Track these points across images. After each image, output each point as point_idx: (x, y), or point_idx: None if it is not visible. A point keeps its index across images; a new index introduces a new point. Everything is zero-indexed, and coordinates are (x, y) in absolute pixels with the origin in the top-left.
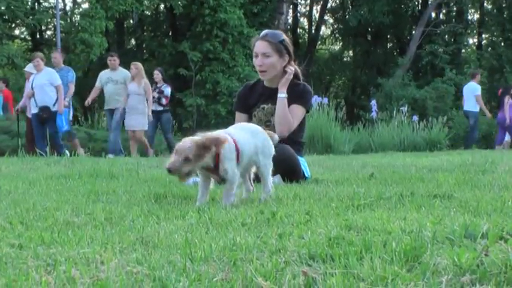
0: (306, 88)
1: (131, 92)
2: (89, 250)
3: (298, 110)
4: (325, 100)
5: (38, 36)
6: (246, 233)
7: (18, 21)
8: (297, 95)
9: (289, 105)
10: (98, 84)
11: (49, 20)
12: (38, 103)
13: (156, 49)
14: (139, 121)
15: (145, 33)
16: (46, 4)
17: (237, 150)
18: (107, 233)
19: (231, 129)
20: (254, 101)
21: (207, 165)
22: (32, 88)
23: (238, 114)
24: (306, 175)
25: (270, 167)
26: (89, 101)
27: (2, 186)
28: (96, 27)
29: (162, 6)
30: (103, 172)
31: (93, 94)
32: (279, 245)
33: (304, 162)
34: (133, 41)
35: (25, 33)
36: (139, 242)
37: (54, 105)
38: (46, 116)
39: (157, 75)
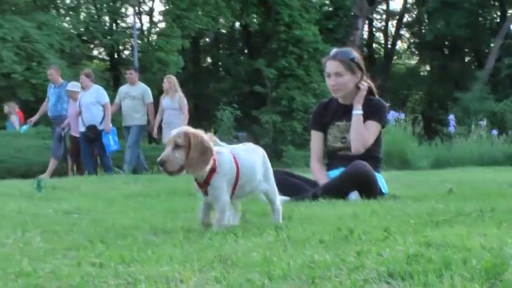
0: (381, 103)
1: (166, 107)
2: (168, 268)
3: (374, 126)
4: (402, 115)
5: (115, 55)
6: (324, 250)
7: (96, 42)
8: (372, 111)
9: (364, 121)
10: (116, 100)
11: (126, 39)
12: (85, 122)
13: (231, 67)
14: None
15: (221, 51)
16: (124, 24)
17: (237, 167)
18: (185, 251)
19: (233, 146)
20: (329, 118)
21: (199, 173)
22: (79, 106)
23: (313, 132)
24: (383, 191)
25: (275, 188)
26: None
27: (82, 205)
28: (173, 46)
29: (237, 24)
30: (181, 190)
31: (112, 109)
32: (357, 263)
33: (381, 178)
34: (209, 59)
35: (103, 53)
36: (217, 260)
37: (100, 123)
38: (93, 136)
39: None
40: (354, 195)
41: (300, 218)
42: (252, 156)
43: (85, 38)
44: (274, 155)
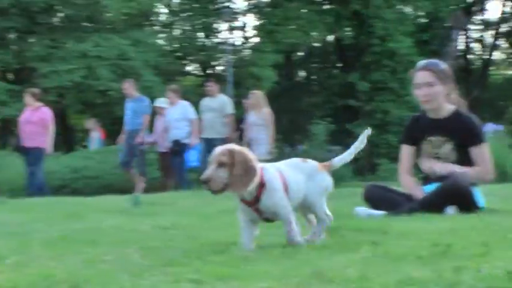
0: (473, 121)
1: (251, 123)
2: (265, 285)
3: (483, 149)
4: (500, 127)
5: (209, 71)
6: (421, 266)
7: (190, 58)
8: (471, 136)
9: (470, 148)
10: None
11: (220, 55)
12: (172, 137)
13: (324, 80)
14: (260, 151)
15: (314, 65)
16: (217, 40)
17: (283, 182)
18: (282, 267)
19: (278, 164)
20: (420, 133)
21: (242, 192)
22: (166, 122)
23: (404, 147)
24: (481, 205)
25: (323, 205)
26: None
27: (178, 220)
28: (266, 61)
29: (330, 37)
30: None
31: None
32: (455, 279)
33: (478, 191)
34: (302, 73)
35: (197, 69)
36: (314, 276)
37: (186, 138)
38: (177, 148)
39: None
40: (451, 209)
41: (396, 233)
42: (296, 172)
43: (179, 54)
44: (369, 169)
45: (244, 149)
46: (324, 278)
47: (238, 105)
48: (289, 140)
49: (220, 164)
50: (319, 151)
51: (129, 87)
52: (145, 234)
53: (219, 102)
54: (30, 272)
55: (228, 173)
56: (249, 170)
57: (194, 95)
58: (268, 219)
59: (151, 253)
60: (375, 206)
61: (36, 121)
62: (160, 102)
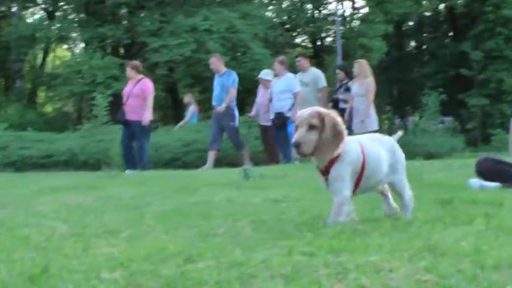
0: None
1: (354, 93)
2: (377, 258)
3: None
4: None
5: (318, 43)
6: None
7: (299, 30)
8: None
9: None
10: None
11: (329, 26)
12: (274, 109)
13: (436, 50)
14: (359, 125)
15: (424, 35)
16: (326, 11)
17: (363, 157)
18: (394, 240)
19: (358, 136)
20: None
21: (329, 156)
22: (271, 94)
23: None
24: None
25: (404, 181)
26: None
27: (289, 193)
28: (376, 32)
29: (441, 6)
30: None
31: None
32: None
33: None
34: (413, 43)
35: (306, 41)
36: (426, 249)
37: (288, 111)
38: (279, 123)
39: (340, 74)
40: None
41: (510, 205)
42: (378, 146)
43: (288, 26)
44: (482, 140)
45: (332, 112)
46: (437, 252)
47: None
48: (399, 111)
49: (311, 127)
50: (431, 122)
51: (215, 61)
52: (256, 207)
53: (311, 76)
54: (144, 245)
55: (317, 136)
56: (337, 135)
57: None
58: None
59: (263, 226)
60: (488, 179)
61: (137, 94)
62: (265, 74)
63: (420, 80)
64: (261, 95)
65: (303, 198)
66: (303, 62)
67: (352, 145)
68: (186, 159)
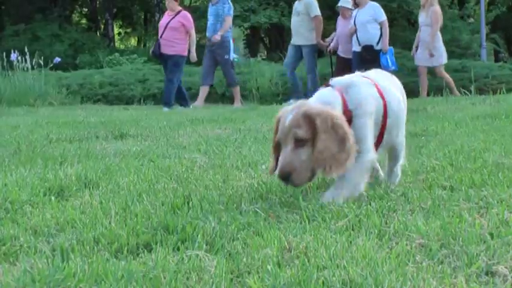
0: None
1: (420, 23)
2: None
3: None
4: None
5: None
6: None
7: None
8: None
9: None
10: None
11: None
12: (361, 42)
13: None
14: (425, 56)
15: None
16: None
17: (384, 102)
18: None
19: (369, 74)
20: None
21: (341, 172)
22: (354, 24)
23: None
24: None
25: (404, 141)
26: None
27: (429, 127)
28: None
29: None
30: None
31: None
32: None
33: None
34: None
35: None
36: None
37: (377, 43)
38: (370, 57)
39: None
40: None
41: None
42: (394, 88)
43: None
44: None
45: (325, 108)
46: None
47: None
48: None
49: (299, 142)
50: None
51: None
52: None
53: (304, 3)
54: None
55: (310, 152)
56: (342, 140)
57: None
58: None
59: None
60: None
61: (176, 26)
62: (344, 2)
63: None
64: (341, 26)
65: (443, 131)
66: None
67: (364, 89)
68: None
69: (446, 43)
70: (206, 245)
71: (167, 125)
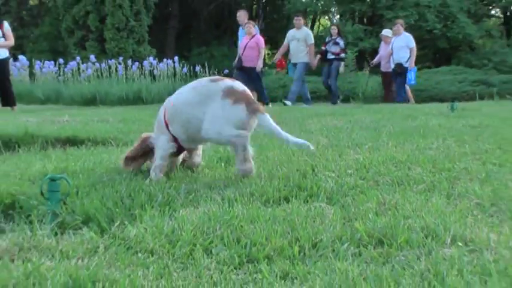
0: None
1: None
2: None
3: None
4: None
5: (508, 13)
6: None
7: (494, 4)
8: None
9: None
10: (285, 41)
11: None
12: (395, 60)
13: None
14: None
15: None
16: None
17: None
18: None
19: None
20: None
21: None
22: (392, 49)
23: None
24: None
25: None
26: (277, 57)
27: (483, 121)
28: None
29: None
30: None
31: (282, 50)
32: None
33: None
34: None
35: (498, 12)
36: None
37: (406, 62)
38: (400, 71)
39: (333, 30)
40: None
41: None
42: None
43: (486, 1)
44: None
45: None
46: None
47: None
48: None
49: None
50: None
51: (242, 15)
52: (459, 130)
53: (304, 34)
54: (380, 154)
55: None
56: None
57: (496, 31)
58: None
59: (464, 144)
60: None
61: (253, 46)
62: (386, 32)
63: None
64: (383, 49)
65: (493, 125)
66: (301, 21)
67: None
68: None
69: (496, 63)
70: (326, 199)
71: (300, 116)
